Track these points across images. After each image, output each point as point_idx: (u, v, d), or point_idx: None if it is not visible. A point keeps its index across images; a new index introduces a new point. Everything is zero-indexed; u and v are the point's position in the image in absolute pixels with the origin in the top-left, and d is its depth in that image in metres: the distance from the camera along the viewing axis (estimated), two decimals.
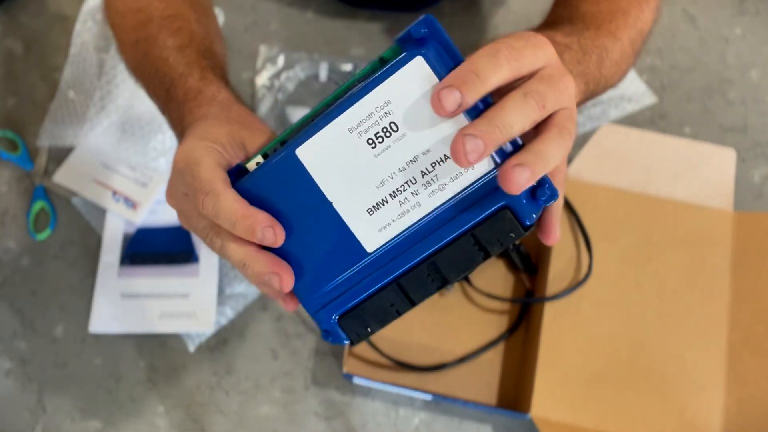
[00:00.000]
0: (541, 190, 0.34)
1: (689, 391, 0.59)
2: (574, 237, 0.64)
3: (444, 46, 0.33)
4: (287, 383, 0.64)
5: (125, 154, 0.71)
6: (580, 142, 0.72)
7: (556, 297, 0.61)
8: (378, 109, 0.33)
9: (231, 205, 0.35)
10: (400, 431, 0.63)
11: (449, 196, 0.34)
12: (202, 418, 0.63)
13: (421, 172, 0.33)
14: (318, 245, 0.36)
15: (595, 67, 0.47)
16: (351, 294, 0.36)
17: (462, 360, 0.64)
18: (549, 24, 0.52)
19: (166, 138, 0.71)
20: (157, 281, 0.67)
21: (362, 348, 0.64)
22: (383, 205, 0.34)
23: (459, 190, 0.34)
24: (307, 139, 0.34)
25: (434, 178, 0.34)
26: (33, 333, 0.66)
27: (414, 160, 0.33)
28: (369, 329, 0.37)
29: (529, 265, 0.67)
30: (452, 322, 0.66)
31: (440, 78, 0.32)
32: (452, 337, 0.65)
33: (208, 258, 0.68)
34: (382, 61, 0.34)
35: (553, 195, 0.34)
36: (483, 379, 0.64)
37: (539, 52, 0.34)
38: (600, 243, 0.63)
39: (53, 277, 0.68)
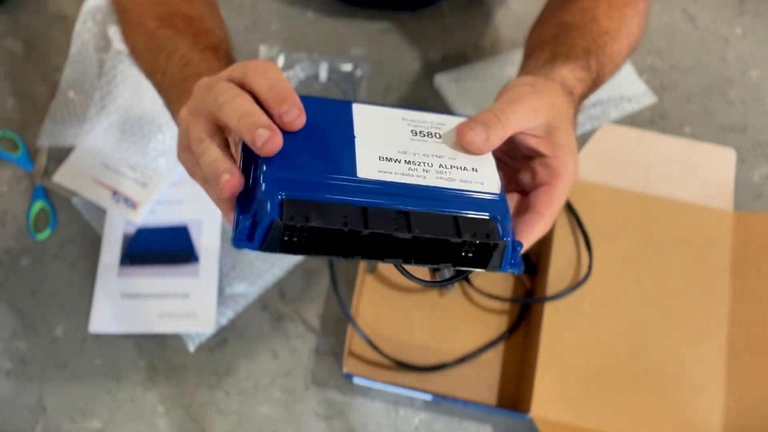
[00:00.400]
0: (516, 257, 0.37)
1: (689, 391, 0.59)
2: (574, 237, 0.64)
3: None
4: (287, 383, 0.64)
5: (125, 154, 0.71)
6: (580, 142, 0.72)
7: (556, 297, 0.61)
8: (433, 123, 0.40)
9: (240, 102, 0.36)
10: (400, 431, 0.63)
11: (453, 186, 0.36)
12: (202, 418, 0.63)
13: (440, 165, 0.37)
14: (319, 152, 0.36)
15: (596, 64, 0.51)
16: (315, 189, 0.34)
17: (462, 360, 0.64)
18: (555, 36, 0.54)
19: (166, 138, 0.71)
20: (157, 281, 0.67)
21: (362, 348, 0.64)
22: (395, 161, 0.37)
23: (463, 189, 0.37)
24: (367, 104, 0.40)
25: (447, 172, 0.37)
26: (33, 333, 0.66)
27: (439, 156, 0.38)
28: (308, 220, 0.33)
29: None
30: (452, 322, 0.66)
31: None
32: (452, 337, 0.65)
33: (208, 258, 0.68)
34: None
35: (517, 267, 0.37)
36: (483, 379, 0.64)
37: (534, 115, 0.40)
38: (600, 243, 0.63)
39: (53, 277, 0.68)
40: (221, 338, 0.66)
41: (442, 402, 0.63)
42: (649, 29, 0.82)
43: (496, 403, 0.63)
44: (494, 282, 0.67)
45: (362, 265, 0.64)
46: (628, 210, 0.65)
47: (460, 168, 0.37)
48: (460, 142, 0.38)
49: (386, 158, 0.37)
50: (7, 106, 0.76)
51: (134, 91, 0.72)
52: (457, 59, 0.79)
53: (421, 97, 0.76)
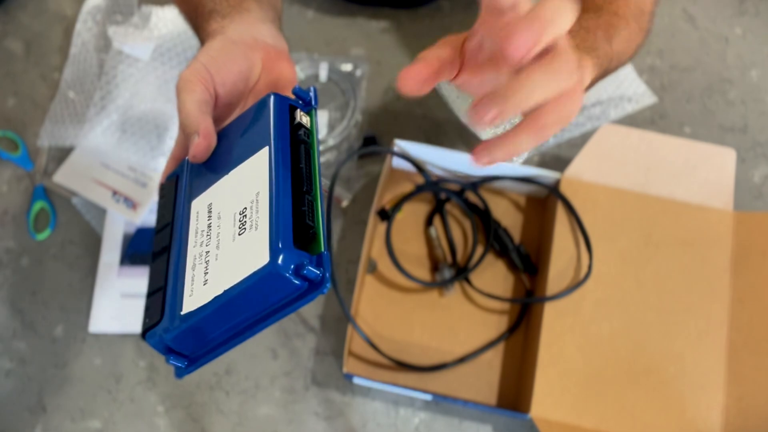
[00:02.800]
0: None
1: (689, 391, 0.59)
2: (574, 237, 0.64)
3: None
4: (287, 383, 0.64)
5: (125, 154, 0.71)
6: (580, 142, 0.72)
7: (556, 297, 0.61)
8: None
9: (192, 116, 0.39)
10: (400, 431, 0.63)
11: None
12: (202, 418, 0.63)
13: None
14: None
15: (603, 41, 0.48)
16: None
17: (462, 360, 0.64)
18: None
19: (166, 138, 0.71)
20: None
21: (362, 348, 0.64)
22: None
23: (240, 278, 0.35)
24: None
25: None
26: (33, 333, 0.66)
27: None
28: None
29: (529, 265, 0.67)
30: (452, 322, 0.66)
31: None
32: (452, 337, 0.65)
33: None
34: None
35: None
36: (483, 379, 0.64)
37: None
38: (600, 243, 0.63)
39: (53, 277, 0.68)
40: None
41: (442, 402, 0.63)
42: None
43: (496, 403, 0.63)
44: (494, 282, 0.67)
45: (362, 265, 0.64)
46: (628, 210, 0.65)
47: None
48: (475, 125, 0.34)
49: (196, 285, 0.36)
50: (7, 106, 0.76)
51: (134, 91, 0.72)
52: None
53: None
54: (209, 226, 0.37)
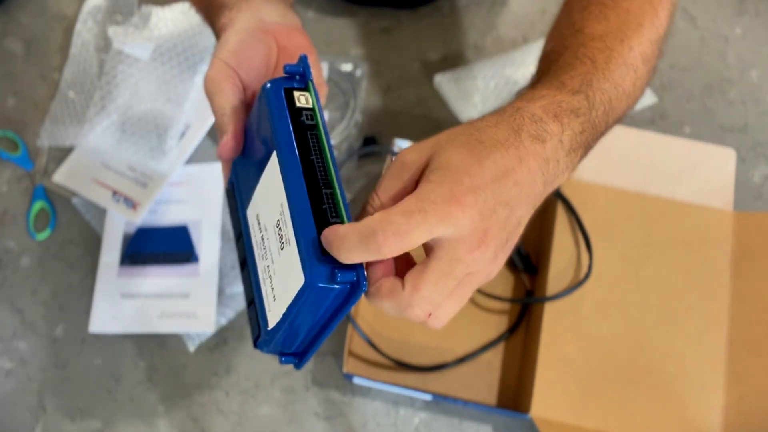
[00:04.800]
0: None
1: (689, 391, 0.59)
2: (574, 237, 0.64)
3: None
4: (287, 383, 0.64)
5: (125, 154, 0.71)
6: None
7: (556, 297, 0.61)
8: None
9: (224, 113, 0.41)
10: (400, 431, 0.63)
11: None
12: (202, 418, 0.63)
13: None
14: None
15: (601, 119, 0.42)
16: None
17: (462, 360, 0.64)
18: (551, 61, 0.46)
19: (166, 138, 0.71)
20: (157, 281, 0.67)
21: (362, 348, 0.64)
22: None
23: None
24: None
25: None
26: (33, 333, 0.66)
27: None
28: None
29: (529, 265, 0.67)
30: (452, 322, 0.65)
31: None
32: (452, 337, 0.65)
33: (208, 258, 0.68)
34: None
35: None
36: (483, 379, 0.64)
37: (439, 226, 0.32)
38: (600, 243, 0.63)
39: (53, 277, 0.68)
40: (221, 338, 0.66)
41: (442, 402, 0.63)
42: None
43: (496, 403, 0.63)
44: (494, 282, 0.67)
45: None
46: (628, 210, 0.65)
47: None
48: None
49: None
50: (7, 106, 0.76)
51: (134, 91, 0.72)
52: (457, 59, 0.79)
53: (421, 97, 0.76)
54: (263, 238, 0.38)
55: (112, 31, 0.73)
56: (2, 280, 0.68)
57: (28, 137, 0.74)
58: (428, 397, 0.61)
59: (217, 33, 0.46)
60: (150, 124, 0.71)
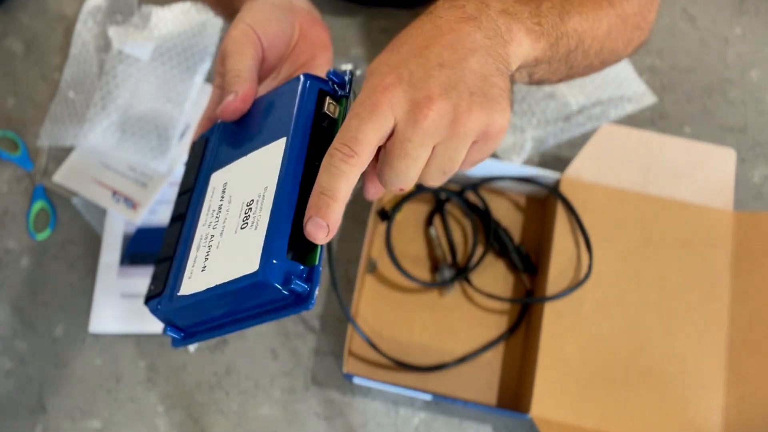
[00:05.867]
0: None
1: (689, 391, 0.59)
2: (574, 237, 0.64)
3: None
4: (287, 383, 0.64)
5: (125, 154, 0.71)
6: (580, 142, 0.72)
7: (556, 297, 0.61)
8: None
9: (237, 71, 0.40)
10: (400, 431, 0.63)
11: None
12: (202, 418, 0.63)
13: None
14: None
15: (551, 11, 0.42)
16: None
17: (462, 360, 0.64)
18: None
19: (166, 138, 0.71)
20: None
21: (362, 348, 0.64)
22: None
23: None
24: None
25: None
26: (33, 333, 0.66)
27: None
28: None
29: (529, 265, 0.67)
30: (452, 322, 0.66)
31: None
32: (452, 337, 0.65)
33: None
34: None
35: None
36: (483, 379, 0.64)
37: (379, 118, 0.33)
38: (600, 243, 0.63)
39: (53, 277, 0.68)
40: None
41: (442, 402, 0.63)
42: None
43: (496, 403, 0.63)
44: (494, 282, 0.67)
45: (362, 265, 0.64)
46: (628, 210, 0.65)
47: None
48: (309, 238, 0.34)
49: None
50: (7, 106, 0.76)
51: (134, 91, 0.72)
52: None
53: None
54: (220, 207, 0.36)
55: (112, 31, 0.73)
56: (2, 280, 0.68)
57: (28, 137, 0.74)
58: (428, 397, 0.61)
59: (238, 5, 0.46)
60: (150, 124, 0.71)
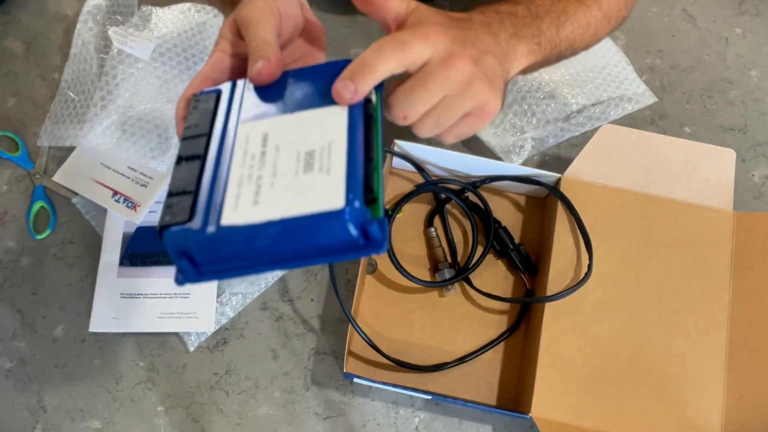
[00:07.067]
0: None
1: (689, 391, 0.59)
2: (574, 237, 0.64)
3: None
4: (287, 383, 0.64)
5: (125, 154, 0.71)
6: (580, 142, 0.72)
7: (556, 297, 0.61)
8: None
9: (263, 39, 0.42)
10: (400, 431, 0.63)
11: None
12: (202, 418, 0.63)
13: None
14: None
15: (549, 28, 0.51)
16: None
17: (462, 360, 0.64)
18: None
19: (166, 138, 0.71)
20: (157, 281, 0.67)
21: (362, 348, 0.64)
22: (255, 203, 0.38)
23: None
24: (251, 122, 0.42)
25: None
26: (33, 333, 0.66)
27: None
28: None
29: (529, 265, 0.67)
30: (452, 322, 0.66)
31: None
32: (452, 337, 0.65)
33: None
34: None
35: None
36: (483, 379, 0.64)
37: (425, 44, 0.40)
38: (600, 243, 0.63)
39: (53, 277, 0.68)
40: (221, 338, 0.66)
41: (442, 402, 0.63)
42: (649, 29, 0.82)
43: (496, 403, 0.63)
44: (494, 282, 0.67)
45: (362, 265, 0.64)
46: (628, 210, 0.65)
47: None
48: (333, 96, 0.39)
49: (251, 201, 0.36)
50: (7, 106, 0.76)
51: (134, 91, 0.72)
52: None
53: None
54: (263, 153, 0.38)
55: (112, 31, 0.73)
56: (2, 280, 0.68)
57: (28, 137, 0.74)
58: (428, 397, 0.61)
59: None
60: (150, 124, 0.71)
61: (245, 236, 0.34)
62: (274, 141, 0.38)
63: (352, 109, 0.39)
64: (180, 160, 0.40)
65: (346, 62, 0.41)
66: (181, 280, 0.37)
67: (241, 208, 0.35)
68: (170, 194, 0.38)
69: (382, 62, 0.39)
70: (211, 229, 0.35)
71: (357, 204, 0.33)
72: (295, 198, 0.34)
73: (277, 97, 0.41)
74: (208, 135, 0.41)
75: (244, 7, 0.43)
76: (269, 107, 0.41)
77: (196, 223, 0.35)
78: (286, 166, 0.36)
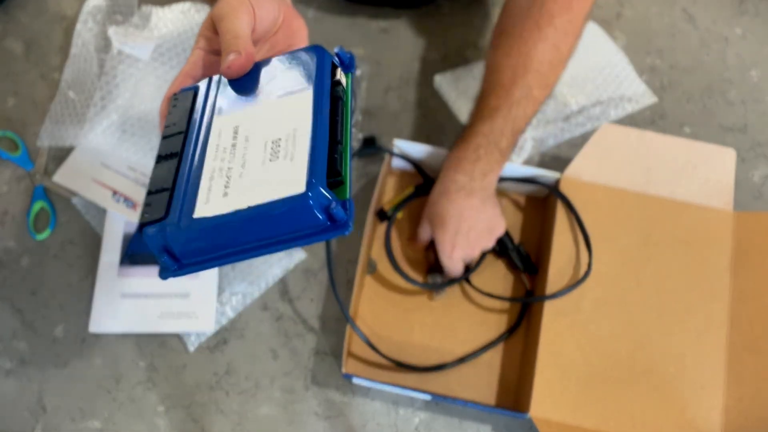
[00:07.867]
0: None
1: (689, 391, 0.59)
2: (574, 236, 0.64)
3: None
4: (287, 383, 0.64)
5: (125, 154, 0.71)
6: (580, 142, 0.72)
7: (555, 296, 0.61)
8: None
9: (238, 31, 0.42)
10: (400, 431, 0.63)
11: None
12: (202, 418, 0.63)
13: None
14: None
15: (509, 145, 0.60)
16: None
17: (462, 360, 0.64)
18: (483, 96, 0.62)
19: None
20: (157, 281, 0.67)
21: (362, 348, 0.64)
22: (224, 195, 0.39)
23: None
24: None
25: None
26: (33, 333, 0.66)
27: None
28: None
29: (529, 265, 0.67)
30: (452, 322, 0.66)
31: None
32: (452, 337, 0.65)
33: None
34: None
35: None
36: (483, 379, 0.64)
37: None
38: (600, 243, 0.63)
39: (53, 277, 0.68)
40: (221, 338, 0.66)
41: (442, 402, 0.63)
42: (649, 29, 0.82)
43: (495, 403, 0.63)
44: (494, 282, 0.67)
45: (361, 265, 0.64)
46: (628, 210, 0.65)
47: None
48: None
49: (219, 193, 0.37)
50: (7, 106, 0.76)
51: (134, 91, 0.72)
52: (457, 59, 0.79)
53: (421, 97, 0.76)
54: (233, 146, 0.39)
55: (112, 31, 0.73)
56: (2, 280, 0.68)
57: (28, 137, 0.74)
58: (428, 397, 0.61)
59: None
60: (150, 124, 0.71)
61: (216, 227, 0.36)
62: (244, 132, 0.39)
63: (318, 94, 0.40)
64: (159, 158, 0.41)
65: (315, 48, 0.42)
66: (163, 275, 0.38)
67: (212, 200, 0.36)
68: (149, 193, 0.40)
69: None
70: (185, 222, 0.36)
71: (319, 187, 0.34)
72: (262, 186, 0.36)
73: (249, 89, 0.43)
74: (186, 132, 0.42)
75: (219, 4, 0.44)
76: (241, 100, 0.42)
77: (171, 219, 0.37)
78: (254, 156, 0.38)
